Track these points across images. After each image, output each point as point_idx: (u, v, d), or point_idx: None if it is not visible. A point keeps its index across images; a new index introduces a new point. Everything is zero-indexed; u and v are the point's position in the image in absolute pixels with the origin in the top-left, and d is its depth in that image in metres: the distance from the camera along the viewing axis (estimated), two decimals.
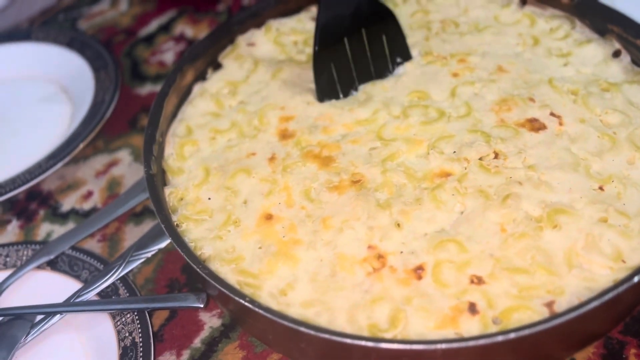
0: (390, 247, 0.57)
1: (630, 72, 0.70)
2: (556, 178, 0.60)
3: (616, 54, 0.72)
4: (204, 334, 0.63)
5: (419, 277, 0.55)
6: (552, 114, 0.66)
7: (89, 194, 0.78)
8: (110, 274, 0.64)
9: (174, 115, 0.73)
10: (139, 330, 0.60)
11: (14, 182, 0.75)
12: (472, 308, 0.52)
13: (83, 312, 0.62)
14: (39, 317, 0.62)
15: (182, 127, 0.72)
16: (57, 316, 0.62)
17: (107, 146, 0.84)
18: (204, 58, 0.78)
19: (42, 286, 0.66)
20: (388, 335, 0.51)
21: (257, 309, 0.51)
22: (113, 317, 0.62)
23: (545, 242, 0.55)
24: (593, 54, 0.73)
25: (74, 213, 0.77)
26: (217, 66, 0.79)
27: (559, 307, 0.51)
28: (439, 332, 0.51)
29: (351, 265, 0.57)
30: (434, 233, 0.58)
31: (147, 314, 0.61)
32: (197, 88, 0.77)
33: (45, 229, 0.75)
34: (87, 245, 0.72)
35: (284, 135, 0.69)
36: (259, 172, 0.65)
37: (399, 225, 0.58)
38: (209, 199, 0.64)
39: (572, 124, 0.65)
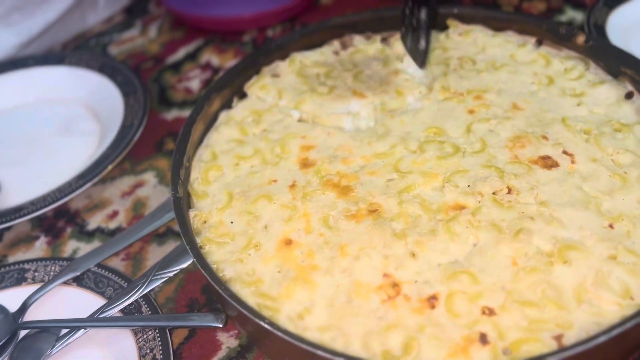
0: (405, 276, 0.59)
1: None
2: (567, 215, 0.62)
3: (629, 96, 0.74)
4: (222, 353, 0.65)
5: (432, 307, 0.57)
6: (564, 152, 0.68)
7: (115, 214, 0.81)
8: (133, 292, 0.66)
9: (200, 141, 0.76)
10: (160, 347, 0.62)
11: (45, 200, 0.78)
12: (483, 338, 0.54)
13: (106, 328, 0.65)
14: (64, 331, 0.65)
15: (208, 152, 0.75)
16: (82, 330, 0.65)
17: (133, 168, 0.87)
18: (230, 87, 0.81)
19: (68, 301, 0.69)
20: None
21: (275, 331, 0.53)
22: (135, 333, 0.64)
23: (555, 277, 0.57)
24: (606, 95, 0.75)
25: (99, 231, 0.80)
26: (242, 95, 0.83)
27: (568, 340, 0.52)
28: None
29: (367, 292, 0.59)
30: (447, 264, 0.60)
31: (167, 332, 0.64)
32: (223, 116, 0.80)
33: (71, 246, 0.78)
34: (112, 264, 0.74)
35: (305, 164, 0.72)
36: (279, 198, 0.68)
37: (414, 255, 0.60)
38: (232, 222, 0.67)
39: (584, 162, 0.67)
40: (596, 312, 0.54)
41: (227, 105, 0.81)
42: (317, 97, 0.80)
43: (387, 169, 0.69)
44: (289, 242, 0.64)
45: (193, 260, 0.68)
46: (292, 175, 0.70)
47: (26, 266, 0.72)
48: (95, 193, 0.84)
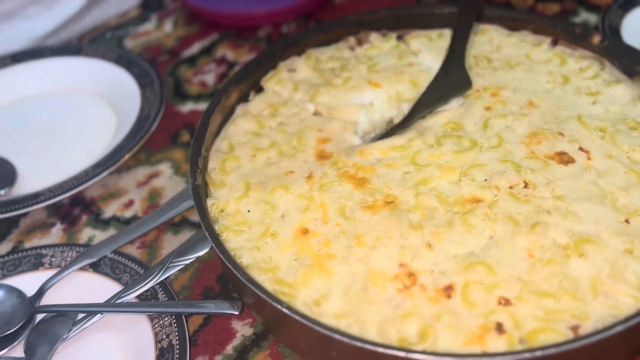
0: (421, 266, 0.60)
1: None
2: (583, 209, 0.62)
3: None
4: (236, 341, 0.65)
5: (449, 296, 0.57)
6: (580, 149, 0.68)
7: (130, 203, 0.82)
8: (149, 279, 0.67)
9: (217, 132, 0.77)
10: (176, 333, 0.62)
11: (62, 187, 0.78)
12: (499, 328, 0.54)
13: (122, 313, 0.65)
14: (81, 316, 0.65)
15: (225, 143, 0.76)
16: (98, 315, 0.65)
17: (149, 159, 0.88)
18: (247, 81, 0.82)
19: (85, 287, 0.69)
20: (417, 349, 0.53)
21: (294, 315, 0.53)
22: (151, 319, 0.65)
23: (571, 269, 0.57)
24: (621, 94, 0.75)
25: (115, 220, 0.80)
26: (259, 89, 0.83)
27: (584, 331, 0.53)
28: (467, 349, 0.53)
29: (383, 281, 0.59)
30: (463, 255, 0.60)
31: (184, 318, 0.64)
32: (240, 109, 0.81)
33: (87, 234, 0.79)
34: (127, 251, 0.75)
35: (321, 156, 0.72)
36: (296, 189, 0.68)
37: (430, 245, 0.61)
38: (249, 211, 0.67)
39: (600, 159, 0.67)
40: (612, 304, 0.55)
41: (244, 98, 0.82)
42: (332, 89, 0.80)
43: (404, 161, 0.70)
44: (305, 231, 0.64)
45: (210, 248, 0.69)
46: (309, 167, 0.71)
47: (43, 251, 0.73)
48: (111, 182, 0.85)
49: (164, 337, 0.62)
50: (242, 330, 0.66)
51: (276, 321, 0.59)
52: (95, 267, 0.71)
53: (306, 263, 0.61)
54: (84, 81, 0.99)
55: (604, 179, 0.65)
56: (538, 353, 0.48)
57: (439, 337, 0.54)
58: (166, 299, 0.66)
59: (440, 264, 0.59)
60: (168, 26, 1.15)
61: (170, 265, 0.67)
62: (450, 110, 0.76)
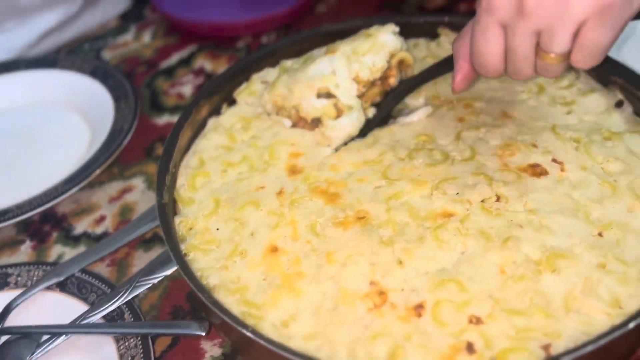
0: (391, 284, 0.58)
1: (632, 122, 0.72)
2: (556, 223, 0.61)
3: (619, 104, 0.74)
4: None
5: (419, 315, 0.56)
6: (554, 160, 0.67)
7: (102, 219, 0.81)
8: (116, 299, 0.65)
9: (187, 147, 0.76)
10: (142, 355, 0.61)
11: (30, 204, 0.77)
12: (470, 347, 0.53)
13: (88, 334, 0.64)
14: (45, 337, 0.64)
15: (195, 159, 0.74)
16: (63, 337, 0.64)
17: (122, 173, 0.87)
18: (219, 94, 0.81)
19: (51, 307, 0.67)
20: None
21: (258, 340, 0.52)
22: (117, 340, 0.63)
23: (543, 286, 0.56)
24: (596, 104, 0.75)
25: (86, 236, 0.79)
26: (231, 102, 0.82)
27: (556, 350, 0.52)
28: None
29: (353, 300, 0.58)
30: (435, 272, 0.59)
31: (149, 340, 0.63)
32: (212, 122, 0.79)
33: (57, 251, 0.77)
34: (97, 269, 0.73)
35: (293, 171, 0.71)
36: (267, 205, 0.67)
37: (401, 262, 0.60)
38: (217, 229, 0.66)
39: (574, 170, 0.66)
40: (585, 321, 0.54)
41: (216, 111, 0.81)
42: (290, 74, 0.77)
43: (375, 176, 0.69)
44: (275, 250, 0.63)
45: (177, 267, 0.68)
46: (280, 182, 0.70)
47: (9, 270, 0.71)
48: (83, 197, 0.83)
49: (129, 359, 0.61)
50: (211, 350, 0.65)
51: (243, 344, 0.58)
52: (62, 287, 0.69)
53: (275, 283, 0.60)
54: (59, 94, 0.98)
55: (578, 191, 0.64)
56: None
57: (409, 357, 0.53)
58: (132, 319, 0.65)
59: (411, 281, 0.58)
60: (147, 37, 1.14)
61: (137, 284, 0.66)
62: (422, 122, 0.75)
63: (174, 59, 1.07)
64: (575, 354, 0.48)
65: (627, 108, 0.73)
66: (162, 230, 0.62)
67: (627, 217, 0.61)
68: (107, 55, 1.10)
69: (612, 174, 0.66)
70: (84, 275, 0.70)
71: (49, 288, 0.69)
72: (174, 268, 0.68)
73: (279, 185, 0.69)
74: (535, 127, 0.72)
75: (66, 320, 0.65)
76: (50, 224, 0.81)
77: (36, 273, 0.72)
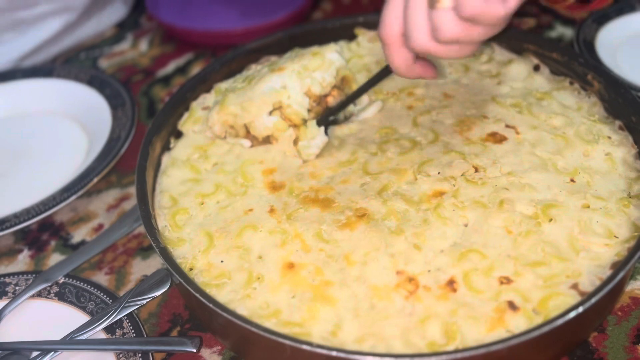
0: (416, 268, 0.60)
1: (553, 81, 0.81)
2: (534, 179, 0.67)
3: (536, 68, 0.83)
4: None
5: (454, 290, 0.58)
6: (507, 126, 0.74)
7: (100, 227, 0.79)
8: (104, 318, 0.64)
9: (153, 187, 0.71)
10: None
11: (28, 212, 0.76)
12: (512, 305, 0.56)
13: (77, 351, 0.63)
14: (35, 354, 0.62)
15: (166, 198, 0.70)
16: (52, 353, 0.62)
17: (120, 181, 0.85)
18: (167, 128, 0.77)
19: (49, 316, 0.67)
20: (450, 349, 0.54)
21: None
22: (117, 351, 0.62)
23: (547, 235, 0.62)
24: (518, 71, 0.83)
25: (83, 245, 0.76)
26: (178, 135, 0.79)
27: (583, 286, 0.57)
28: (493, 334, 0.55)
29: (387, 293, 0.59)
30: (449, 247, 0.62)
31: None
32: (166, 158, 0.76)
33: (55, 260, 0.75)
34: (95, 278, 0.72)
35: (274, 187, 0.70)
36: (264, 225, 0.66)
37: (417, 246, 0.62)
38: (222, 261, 0.63)
39: (527, 131, 0.73)
40: (593, 256, 0.60)
41: (167, 147, 0.77)
42: (238, 91, 0.76)
43: (357, 174, 0.70)
44: (291, 266, 0.62)
45: (168, 288, 0.66)
46: (266, 201, 0.69)
47: (7, 280, 0.70)
48: (81, 206, 0.82)
49: None
50: (210, 358, 0.63)
51: (249, 343, 0.59)
52: (60, 296, 0.68)
53: (306, 297, 0.59)
54: (56, 103, 0.95)
55: (538, 148, 0.71)
56: (572, 315, 0.51)
57: (464, 331, 0.55)
58: (132, 328, 0.64)
59: (433, 262, 0.61)
60: (143, 45, 1.11)
61: (127, 305, 0.64)
62: (376, 117, 0.78)
63: (170, 67, 1.05)
64: (607, 288, 0.54)
65: (545, 70, 0.82)
66: (172, 272, 0.59)
67: (586, 160, 0.69)
68: (104, 64, 1.07)
69: (558, 127, 0.74)
70: (81, 283, 0.69)
71: (47, 297, 0.68)
72: (164, 289, 0.66)
73: (266, 204, 0.68)
74: (478, 101, 0.78)
75: (65, 329, 0.63)
76: (48, 232, 0.79)
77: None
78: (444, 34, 0.54)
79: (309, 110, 0.76)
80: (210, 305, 0.55)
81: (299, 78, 0.75)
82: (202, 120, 0.79)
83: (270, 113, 0.74)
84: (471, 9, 0.51)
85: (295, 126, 0.74)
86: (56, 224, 0.80)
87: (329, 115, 0.76)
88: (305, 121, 0.75)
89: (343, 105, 0.76)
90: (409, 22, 0.55)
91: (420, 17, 0.55)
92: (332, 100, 0.79)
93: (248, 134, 0.76)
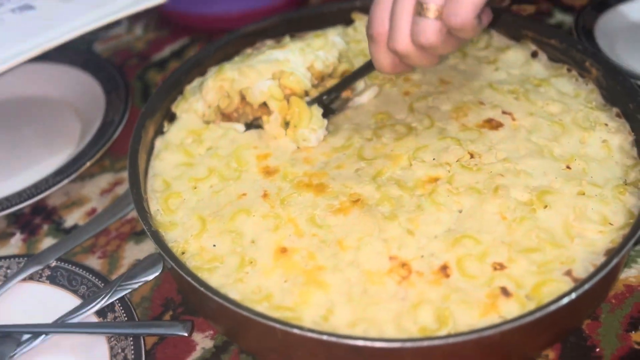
0: (409, 254, 0.60)
1: (550, 68, 0.80)
2: (529, 165, 0.66)
3: (534, 55, 0.82)
4: (196, 354, 0.62)
5: (447, 275, 0.58)
6: (504, 112, 0.73)
7: (93, 211, 0.79)
8: (96, 302, 0.63)
9: (145, 171, 0.71)
10: (132, 347, 0.60)
11: (20, 196, 0.76)
12: (505, 291, 0.56)
13: (68, 334, 0.63)
14: (27, 336, 0.62)
15: (159, 182, 0.70)
16: (43, 336, 0.62)
17: (113, 165, 0.85)
18: (160, 111, 0.77)
19: (41, 299, 0.67)
20: (442, 334, 0.53)
21: (309, 334, 0.51)
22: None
23: (542, 222, 0.61)
24: (515, 58, 0.82)
25: (76, 229, 0.76)
26: (172, 118, 0.78)
27: (577, 273, 0.57)
28: (485, 320, 0.54)
29: (380, 278, 0.58)
30: (443, 233, 0.61)
31: None
32: (159, 142, 0.75)
33: (47, 243, 0.75)
34: (88, 262, 0.72)
35: (268, 172, 0.70)
36: (257, 210, 0.65)
37: (410, 232, 0.61)
38: (214, 245, 0.63)
39: (524, 118, 0.72)
40: (588, 243, 0.59)
41: (160, 131, 0.76)
42: (237, 62, 0.76)
43: (351, 159, 0.70)
44: (284, 250, 0.61)
45: (161, 272, 0.66)
46: (260, 185, 0.68)
47: None
48: (74, 190, 0.82)
49: (120, 351, 0.60)
50: (203, 342, 0.63)
51: (241, 327, 0.58)
52: (52, 279, 0.68)
53: (298, 282, 0.59)
54: (49, 87, 0.95)
55: (535, 135, 0.70)
56: (565, 301, 0.51)
57: (456, 316, 0.55)
58: (123, 311, 0.63)
59: (426, 247, 0.60)
60: (139, 30, 1.10)
61: (118, 288, 0.64)
62: (372, 102, 0.78)
63: (166, 51, 1.04)
64: (611, 266, 0.54)
65: (542, 57, 0.81)
66: (167, 257, 0.58)
67: (583, 147, 0.69)
68: (99, 48, 1.07)
69: (555, 114, 0.73)
70: (73, 267, 0.69)
71: (39, 280, 0.68)
72: (156, 274, 0.66)
73: (260, 189, 0.68)
74: (474, 87, 0.78)
75: (57, 312, 0.63)
76: (40, 216, 0.79)
77: None
78: (426, 40, 0.58)
79: (313, 86, 0.75)
80: (202, 289, 0.55)
81: (302, 54, 0.74)
82: (195, 103, 0.78)
83: None
84: (461, 21, 0.56)
85: (292, 95, 0.73)
86: (49, 208, 0.80)
87: (322, 96, 0.75)
88: (307, 94, 0.74)
89: (339, 87, 0.75)
90: (394, 24, 0.59)
91: (405, 20, 0.59)
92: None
93: (241, 102, 0.75)
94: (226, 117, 0.77)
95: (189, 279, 0.56)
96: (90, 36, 1.09)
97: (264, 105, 0.74)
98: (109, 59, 1.03)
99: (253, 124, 0.75)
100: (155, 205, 0.67)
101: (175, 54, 1.04)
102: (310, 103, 0.73)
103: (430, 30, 0.58)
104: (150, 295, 0.68)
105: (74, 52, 0.98)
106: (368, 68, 0.72)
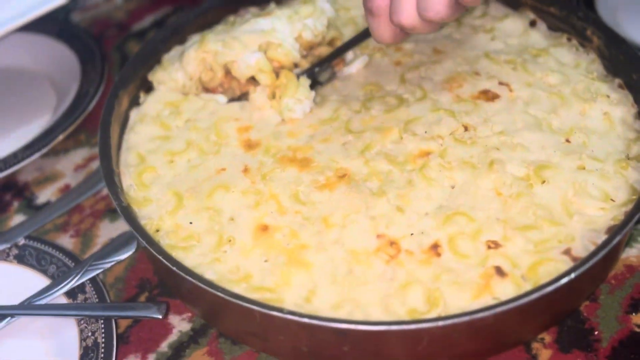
0: (398, 232, 0.56)
1: (550, 37, 0.76)
2: (527, 139, 0.63)
3: (532, 24, 0.78)
4: (172, 337, 0.59)
5: (438, 254, 0.54)
6: (500, 83, 0.69)
7: (66, 188, 0.75)
8: (65, 282, 0.60)
9: (119, 145, 0.67)
10: (102, 330, 0.57)
11: None
12: (500, 271, 0.53)
13: (35, 316, 0.60)
14: None
15: (132, 155, 0.66)
16: (8, 318, 0.59)
17: (88, 140, 0.81)
18: (134, 82, 0.72)
19: (8, 279, 0.64)
20: (432, 316, 0.50)
21: (293, 317, 0.48)
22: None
23: (540, 198, 0.58)
24: (513, 27, 0.78)
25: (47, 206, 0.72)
26: (148, 88, 0.74)
27: (576, 252, 0.53)
28: (478, 301, 0.51)
29: (366, 257, 0.55)
30: (434, 210, 0.58)
31: None
32: (135, 114, 0.71)
33: (18, 221, 0.71)
34: (59, 240, 0.69)
35: (249, 145, 0.66)
36: (237, 185, 0.61)
37: (400, 209, 0.58)
38: (191, 223, 0.59)
39: (521, 89, 0.68)
40: (588, 220, 0.56)
41: (135, 102, 0.72)
42: (221, 31, 0.71)
43: (338, 133, 0.66)
44: (265, 228, 0.58)
45: (134, 251, 0.63)
46: (240, 160, 0.64)
47: None
48: (47, 165, 0.78)
49: (89, 334, 0.57)
50: (180, 325, 0.60)
51: (219, 310, 0.55)
52: (19, 259, 0.65)
53: (279, 262, 0.55)
54: (23, 57, 0.91)
55: (532, 107, 0.66)
56: (564, 281, 0.48)
57: (447, 297, 0.51)
58: (94, 292, 0.60)
59: (416, 225, 0.57)
60: None
61: (89, 268, 0.61)
62: (361, 73, 0.74)
63: (147, 21, 1.00)
64: (613, 244, 0.50)
65: (541, 25, 0.77)
66: (137, 236, 0.54)
67: (583, 120, 0.65)
68: (77, 17, 1.02)
69: (554, 85, 0.69)
70: (43, 246, 0.66)
71: (5, 260, 0.65)
72: (129, 253, 0.63)
73: (240, 164, 0.64)
74: (470, 57, 0.74)
75: (25, 292, 0.60)
76: (11, 192, 0.76)
77: None
78: (435, 14, 0.54)
79: (302, 57, 0.71)
80: (174, 268, 0.51)
81: (290, 22, 0.70)
82: (174, 72, 0.74)
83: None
84: None
85: (281, 69, 0.69)
86: (20, 184, 0.76)
87: (313, 68, 0.71)
88: (297, 65, 0.70)
89: (331, 57, 0.71)
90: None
91: None
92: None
93: (225, 77, 0.71)
94: (210, 92, 0.72)
95: (161, 258, 0.52)
96: (69, 5, 1.04)
97: (252, 79, 0.70)
98: (87, 29, 0.98)
99: (242, 99, 0.71)
100: (128, 180, 0.63)
101: (157, 24, 0.99)
102: (300, 75, 0.69)
103: (440, 4, 0.54)
104: (124, 275, 0.64)
105: (47, 22, 0.93)
106: (363, 37, 0.68)
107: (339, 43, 0.75)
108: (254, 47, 0.67)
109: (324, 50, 0.74)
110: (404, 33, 0.60)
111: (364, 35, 0.68)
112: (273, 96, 0.68)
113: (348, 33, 0.77)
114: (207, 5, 0.81)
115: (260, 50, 0.68)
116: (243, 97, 0.71)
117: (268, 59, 0.68)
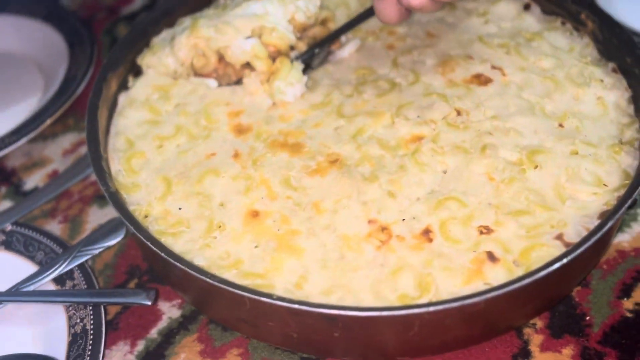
0: (390, 217, 0.56)
1: (544, 21, 0.75)
2: (520, 123, 0.62)
3: (526, 7, 0.77)
4: (162, 324, 0.59)
5: (430, 240, 0.54)
6: (493, 67, 0.69)
7: (54, 173, 0.74)
8: (53, 269, 0.60)
9: (107, 129, 0.66)
10: (91, 317, 0.56)
11: None
12: (491, 256, 0.52)
13: (22, 303, 0.59)
14: None
15: (121, 140, 0.65)
16: None
17: (77, 125, 0.80)
18: (124, 64, 0.71)
19: None
20: (423, 302, 0.50)
21: (283, 303, 0.47)
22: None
23: (532, 183, 0.57)
24: (507, 10, 0.77)
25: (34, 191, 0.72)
26: (137, 72, 0.73)
27: (569, 237, 0.53)
28: (470, 287, 0.51)
29: (357, 243, 0.54)
30: (426, 195, 0.57)
31: None
32: (123, 98, 0.70)
33: (5, 207, 0.70)
34: (48, 227, 0.68)
35: (240, 130, 0.65)
36: (227, 171, 0.61)
37: (391, 194, 0.57)
38: (180, 209, 0.58)
39: (514, 73, 0.68)
40: (580, 206, 0.55)
41: (124, 85, 0.71)
42: (213, 16, 0.70)
43: (330, 117, 0.65)
44: (255, 214, 0.57)
45: (123, 237, 0.63)
46: (231, 145, 0.63)
47: None
48: (35, 150, 0.77)
49: (78, 321, 0.56)
50: (170, 312, 0.60)
51: (209, 296, 0.54)
52: (7, 245, 0.63)
53: (270, 247, 0.55)
54: (10, 40, 0.89)
55: (526, 91, 0.66)
56: (556, 266, 0.47)
57: (438, 282, 0.51)
58: (83, 278, 0.60)
59: (408, 210, 0.56)
60: None
61: (78, 254, 0.60)
62: (354, 57, 0.73)
63: (137, 4, 0.98)
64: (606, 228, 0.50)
65: (535, 9, 0.76)
66: (125, 222, 0.53)
67: (576, 104, 0.64)
68: (66, 0, 0.99)
69: (547, 69, 0.68)
70: (31, 232, 0.65)
71: None
72: (118, 239, 0.62)
73: (231, 148, 0.63)
74: (463, 41, 0.73)
75: (11, 280, 0.60)
76: None
77: None
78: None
79: (298, 38, 0.70)
80: (163, 254, 0.51)
81: (282, 4, 0.69)
82: (164, 56, 0.73)
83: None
84: None
85: (278, 54, 0.68)
86: (7, 170, 0.75)
87: (312, 50, 0.70)
88: (293, 48, 0.69)
89: (329, 38, 0.70)
90: None
91: None
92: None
93: (219, 63, 0.70)
94: (203, 77, 0.71)
95: (150, 244, 0.51)
96: None
97: (247, 64, 0.69)
98: (76, 12, 0.96)
99: (239, 84, 0.70)
100: (116, 166, 0.62)
101: (148, 6, 0.97)
102: (297, 58, 0.68)
103: None
104: (113, 262, 0.64)
105: (35, 4, 0.92)
106: (365, 17, 0.67)
107: (331, 23, 0.74)
108: (247, 32, 0.66)
109: (318, 31, 0.73)
110: (408, 12, 0.60)
111: (365, 15, 0.67)
112: (267, 81, 0.67)
113: (340, 16, 0.76)
114: None
115: (254, 35, 0.66)
116: (239, 83, 0.70)
117: (263, 44, 0.67)
